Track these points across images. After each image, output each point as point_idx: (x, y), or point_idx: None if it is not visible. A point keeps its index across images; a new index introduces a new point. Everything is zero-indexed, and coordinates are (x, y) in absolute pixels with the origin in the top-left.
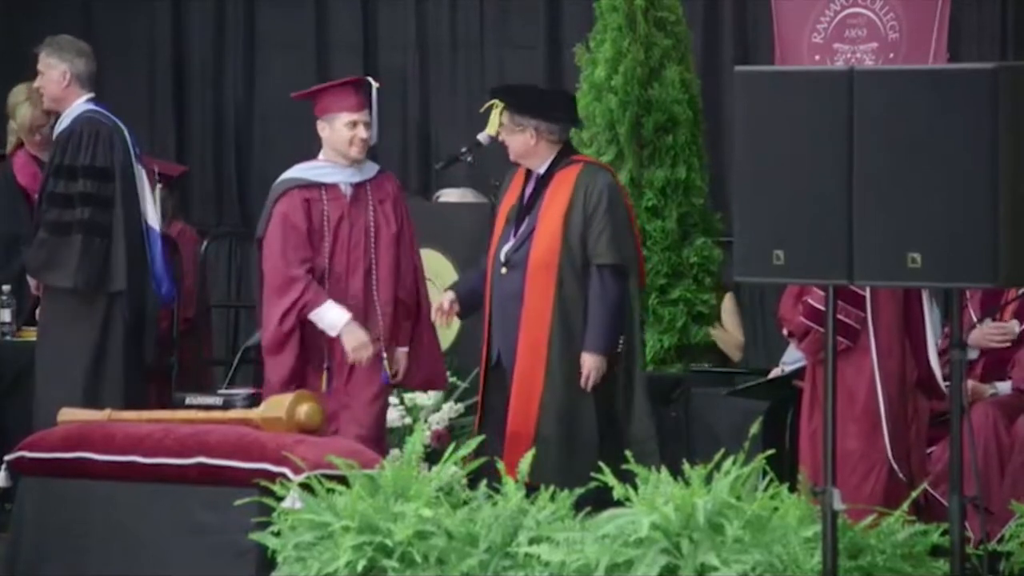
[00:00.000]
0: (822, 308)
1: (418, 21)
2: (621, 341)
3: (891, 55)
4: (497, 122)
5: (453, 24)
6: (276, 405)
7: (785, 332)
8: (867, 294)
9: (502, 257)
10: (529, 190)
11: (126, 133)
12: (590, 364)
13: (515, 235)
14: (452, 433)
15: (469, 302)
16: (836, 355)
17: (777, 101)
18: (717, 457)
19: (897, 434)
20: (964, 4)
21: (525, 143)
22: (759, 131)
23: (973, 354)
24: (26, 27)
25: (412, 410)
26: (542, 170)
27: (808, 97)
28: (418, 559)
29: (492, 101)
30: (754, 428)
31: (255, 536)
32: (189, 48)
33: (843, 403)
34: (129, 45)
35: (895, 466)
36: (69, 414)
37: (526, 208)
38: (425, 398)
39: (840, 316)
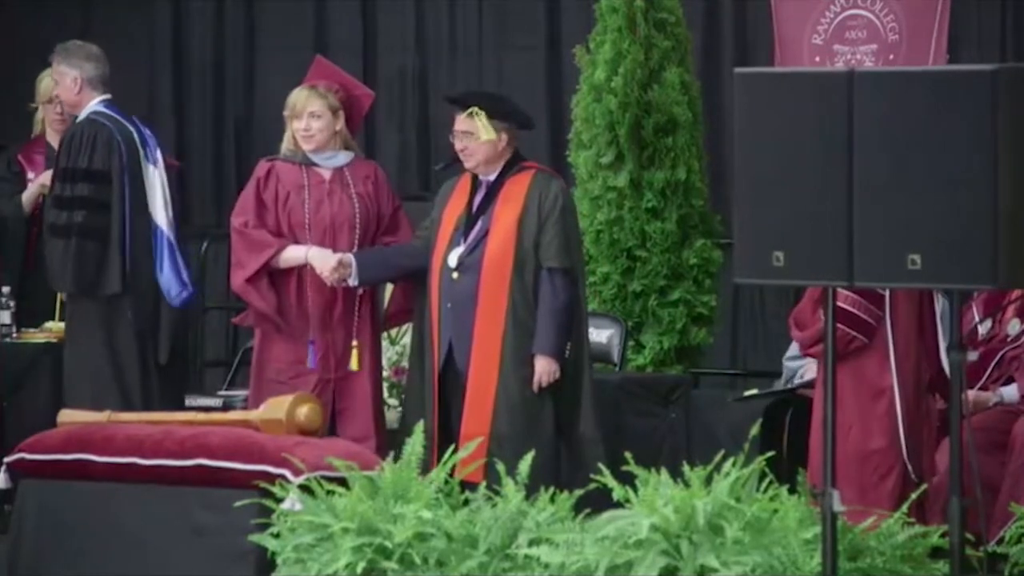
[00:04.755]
0: (852, 310)
1: (418, 22)
2: (569, 346)
3: (891, 57)
4: (490, 128)
5: (452, 25)
6: (276, 407)
7: (796, 335)
8: (886, 293)
9: (453, 262)
10: (479, 196)
11: (136, 133)
12: (540, 367)
13: (465, 240)
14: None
15: (366, 274)
16: (836, 356)
17: (777, 103)
18: (717, 459)
19: (912, 434)
20: (964, 6)
21: (494, 148)
22: (759, 133)
23: (973, 356)
24: (26, 27)
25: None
26: (492, 177)
27: (808, 99)
28: (418, 561)
29: (471, 108)
30: (754, 430)
31: (255, 538)
32: (189, 48)
33: (866, 401)
34: (129, 45)
35: (909, 466)
36: (69, 415)
37: (477, 214)
38: None
39: (862, 314)
